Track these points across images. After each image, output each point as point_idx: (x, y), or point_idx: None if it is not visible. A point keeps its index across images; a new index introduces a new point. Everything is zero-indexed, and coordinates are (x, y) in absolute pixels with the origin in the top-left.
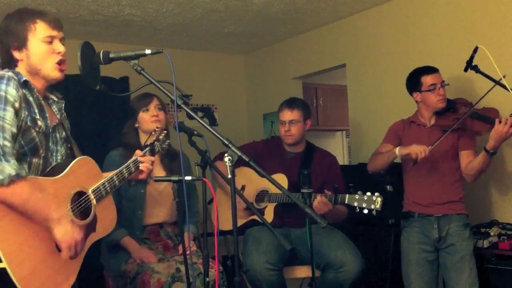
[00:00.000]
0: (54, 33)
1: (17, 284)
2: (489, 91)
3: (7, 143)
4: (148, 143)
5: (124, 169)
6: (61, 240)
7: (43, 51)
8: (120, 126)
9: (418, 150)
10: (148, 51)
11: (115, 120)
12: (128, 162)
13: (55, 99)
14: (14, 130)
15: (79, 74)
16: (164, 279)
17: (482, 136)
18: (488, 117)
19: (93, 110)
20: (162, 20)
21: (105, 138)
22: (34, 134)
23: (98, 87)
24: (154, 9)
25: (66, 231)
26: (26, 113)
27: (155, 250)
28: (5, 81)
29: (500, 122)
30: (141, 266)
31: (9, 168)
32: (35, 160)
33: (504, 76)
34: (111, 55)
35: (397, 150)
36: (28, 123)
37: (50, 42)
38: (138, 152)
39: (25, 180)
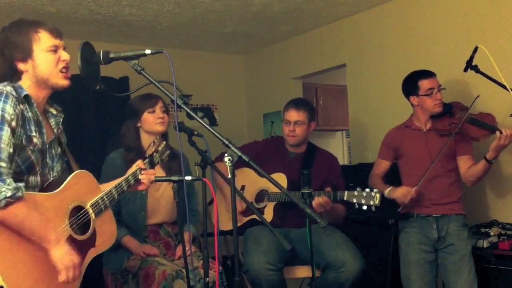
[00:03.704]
0: (57, 41)
1: None
2: (477, 97)
3: (3, 164)
4: (147, 155)
5: (123, 182)
6: (59, 263)
7: (49, 61)
8: (120, 126)
9: (403, 196)
10: (148, 51)
11: (115, 120)
12: (127, 175)
13: (54, 112)
14: (11, 150)
15: (79, 74)
16: (169, 271)
17: (478, 141)
18: (486, 123)
19: (93, 110)
20: (162, 20)
21: (105, 138)
22: (29, 152)
23: (98, 87)
24: (154, 9)
25: (64, 253)
26: (22, 131)
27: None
28: (2, 98)
29: (501, 132)
30: (145, 261)
31: (5, 189)
32: (32, 178)
33: (477, 96)
34: (111, 55)
35: (386, 193)
36: (24, 142)
37: (55, 51)
38: (139, 162)
39: (21, 200)
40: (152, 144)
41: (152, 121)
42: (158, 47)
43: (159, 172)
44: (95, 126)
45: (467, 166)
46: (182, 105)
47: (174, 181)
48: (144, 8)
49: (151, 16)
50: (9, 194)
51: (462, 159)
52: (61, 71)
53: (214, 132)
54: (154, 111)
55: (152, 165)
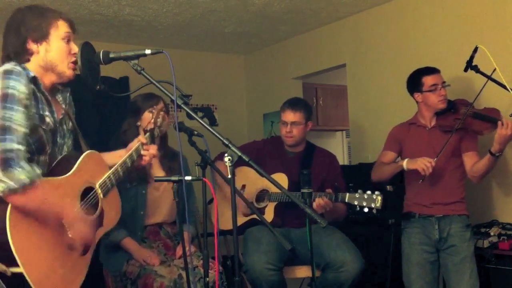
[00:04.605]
0: (71, 32)
1: (33, 287)
2: (483, 87)
3: (20, 147)
4: (148, 129)
5: (127, 159)
6: (76, 239)
7: (63, 49)
8: (120, 126)
9: (425, 165)
10: (148, 51)
11: (115, 120)
12: (130, 151)
13: (59, 87)
14: (26, 130)
15: (79, 74)
16: (167, 283)
17: (483, 135)
18: (488, 116)
19: (93, 110)
20: (162, 20)
21: (105, 138)
22: (41, 132)
23: (98, 87)
24: (154, 9)
25: (81, 231)
26: (34, 110)
27: (156, 249)
28: (14, 76)
29: (502, 124)
30: (144, 269)
31: (23, 175)
32: (42, 157)
33: (494, 70)
34: (111, 55)
35: (404, 164)
36: (36, 121)
37: (68, 41)
38: (141, 137)
39: (38, 186)
40: (151, 116)
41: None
42: (158, 47)
43: (159, 172)
44: (95, 126)
45: (472, 162)
46: (182, 105)
47: (174, 181)
48: (144, 8)
49: (151, 16)
50: (27, 180)
51: (467, 156)
52: (71, 62)
53: (214, 132)
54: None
55: (153, 139)
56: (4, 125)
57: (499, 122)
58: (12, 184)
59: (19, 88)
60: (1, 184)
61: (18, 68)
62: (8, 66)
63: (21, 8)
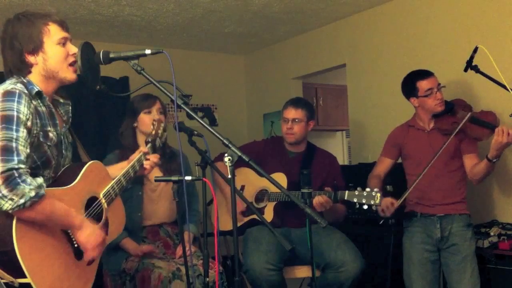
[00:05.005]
0: (66, 34)
1: None
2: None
3: (22, 165)
4: (150, 140)
5: (130, 169)
6: (86, 243)
7: (60, 54)
8: (120, 126)
9: (385, 208)
10: (148, 51)
11: (115, 120)
12: (133, 161)
13: (61, 100)
14: (28, 150)
15: (79, 74)
16: (165, 274)
17: (482, 141)
18: (487, 122)
19: (93, 110)
20: (162, 20)
21: (105, 138)
22: (46, 148)
23: (98, 87)
24: (154, 9)
25: (90, 233)
26: (38, 128)
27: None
28: (16, 98)
29: (499, 132)
30: (142, 263)
31: (28, 189)
32: (47, 172)
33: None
34: (111, 55)
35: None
36: (40, 138)
37: (64, 44)
38: (142, 148)
39: (45, 197)
40: (152, 127)
41: (147, 122)
42: (158, 47)
43: (155, 172)
44: (95, 126)
45: (472, 164)
46: (182, 105)
47: (174, 181)
48: (144, 8)
49: (151, 16)
50: (33, 194)
51: (467, 158)
52: (70, 65)
53: (214, 132)
54: (150, 112)
55: (154, 149)
56: (7, 146)
57: (496, 130)
58: (20, 200)
59: (21, 109)
60: (10, 202)
61: (18, 87)
62: (8, 86)
63: (10, 20)
